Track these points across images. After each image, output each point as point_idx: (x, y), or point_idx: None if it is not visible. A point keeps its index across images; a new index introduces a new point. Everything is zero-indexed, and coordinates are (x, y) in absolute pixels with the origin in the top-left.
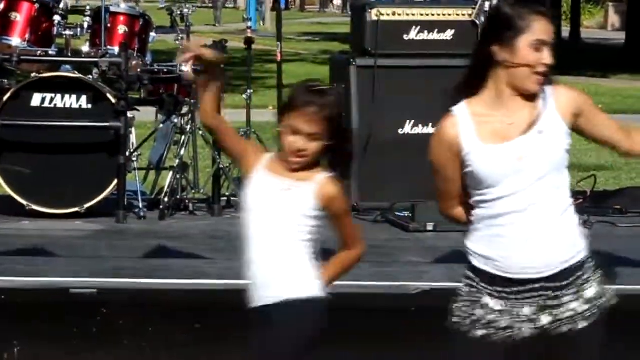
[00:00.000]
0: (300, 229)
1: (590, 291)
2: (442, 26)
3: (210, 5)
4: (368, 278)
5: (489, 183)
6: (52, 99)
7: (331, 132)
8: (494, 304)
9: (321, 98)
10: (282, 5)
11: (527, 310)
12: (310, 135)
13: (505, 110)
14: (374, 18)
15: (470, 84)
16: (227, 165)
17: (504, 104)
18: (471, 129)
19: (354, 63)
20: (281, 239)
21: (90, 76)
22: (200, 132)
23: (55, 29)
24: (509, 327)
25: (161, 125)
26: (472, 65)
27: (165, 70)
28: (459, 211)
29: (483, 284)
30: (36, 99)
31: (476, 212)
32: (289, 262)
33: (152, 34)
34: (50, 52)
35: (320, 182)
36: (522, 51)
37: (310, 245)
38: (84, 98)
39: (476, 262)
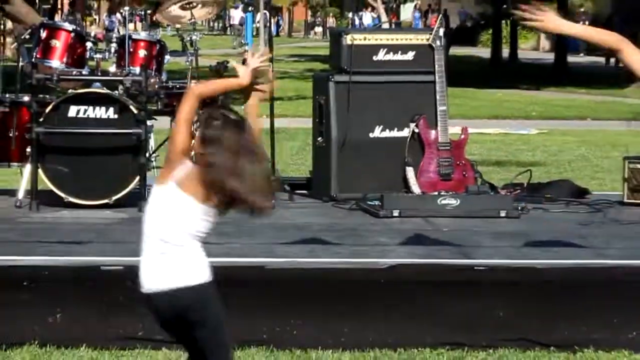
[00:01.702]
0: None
1: None
2: (404, 48)
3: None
4: (346, 255)
5: None
6: (85, 111)
7: None
8: None
9: None
10: (273, 32)
11: None
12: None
13: None
14: (349, 42)
15: None
16: None
17: None
18: None
19: (332, 79)
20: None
21: (117, 92)
22: None
23: (88, 53)
24: None
25: None
26: None
27: (178, 86)
28: None
29: None
30: (72, 111)
31: None
32: None
33: (167, 57)
34: (84, 72)
35: None
36: None
37: None
38: (111, 110)
39: None
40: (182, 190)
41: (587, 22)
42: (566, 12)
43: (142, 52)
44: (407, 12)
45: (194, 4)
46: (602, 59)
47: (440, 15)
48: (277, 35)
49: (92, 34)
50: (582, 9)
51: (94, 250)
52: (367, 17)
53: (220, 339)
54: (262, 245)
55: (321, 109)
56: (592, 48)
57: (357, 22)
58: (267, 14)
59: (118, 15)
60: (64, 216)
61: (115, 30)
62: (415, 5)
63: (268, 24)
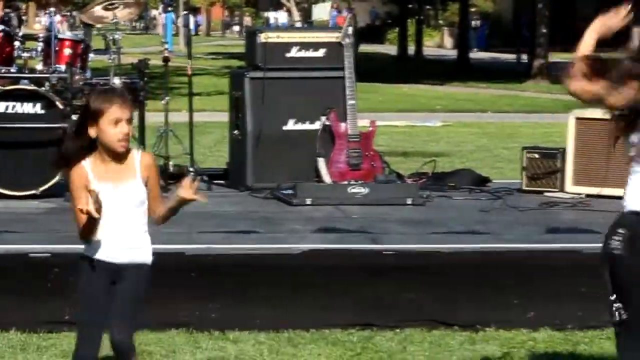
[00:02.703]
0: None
1: None
2: (315, 46)
3: (138, 32)
4: (262, 242)
5: None
6: (13, 107)
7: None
8: None
9: (120, 92)
10: (192, 31)
11: None
12: (129, 120)
13: None
14: (263, 40)
15: None
16: None
17: None
18: None
19: (248, 75)
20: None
21: (43, 88)
22: None
23: (16, 52)
24: None
25: None
26: None
27: (101, 82)
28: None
29: None
30: (1, 107)
31: None
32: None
33: (91, 55)
34: (12, 70)
35: (138, 160)
36: None
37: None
38: (38, 105)
39: None
40: None
41: (479, 21)
42: (467, 12)
43: (67, 51)
44: (319, 12)
45: (116, 5)
46: (501, 55)
47: (350, 15)
48: (196, 34)
49: (20, 34)
50: (473, 9)
51: (22, 239)
52: (283, 16)
53: None
54: (182, 233)
55: (237, 103)
56: (492, 45)
57: (272, 20)
58: (188, 13)
59: (58, 16)
60: None
61: (56, 30)
62: (332, 5)
63: (188, 24)
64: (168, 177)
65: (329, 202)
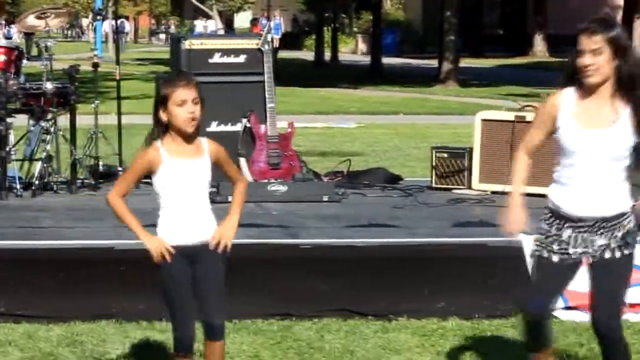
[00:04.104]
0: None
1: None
2: (237, 52)
3: (69, 40)
4: None
5: None
6: None
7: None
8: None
9: (185, 75)
10: (122, 38)
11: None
12: (194, 100)
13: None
14: (187, 47)
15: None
16: (81, 156)
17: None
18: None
19: None
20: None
21: None
22: (60, 132)
23: None
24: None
25: (32, 128)
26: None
27: (34, 87)
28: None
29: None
30: None
31: None
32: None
33: (24, 61)
34: None
35: (206, 145)
36: None
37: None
38: None
39: None
40: None
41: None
42: (379, 20)
43: (1, 57)
44: (240, 20)
45: (48, 14)
46: (411, 60)
47: (268, 23)
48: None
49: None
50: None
51: None
52: (213, 24)
53: None
54: (112, 228)
55: None
56: (402, 51)
57: (201, 29)
58: (125, 21)
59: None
60: None
61: (14, 38)
62: (263, 14)
63: (123, 30)
64: (98, 176)
65: (250, 199)
